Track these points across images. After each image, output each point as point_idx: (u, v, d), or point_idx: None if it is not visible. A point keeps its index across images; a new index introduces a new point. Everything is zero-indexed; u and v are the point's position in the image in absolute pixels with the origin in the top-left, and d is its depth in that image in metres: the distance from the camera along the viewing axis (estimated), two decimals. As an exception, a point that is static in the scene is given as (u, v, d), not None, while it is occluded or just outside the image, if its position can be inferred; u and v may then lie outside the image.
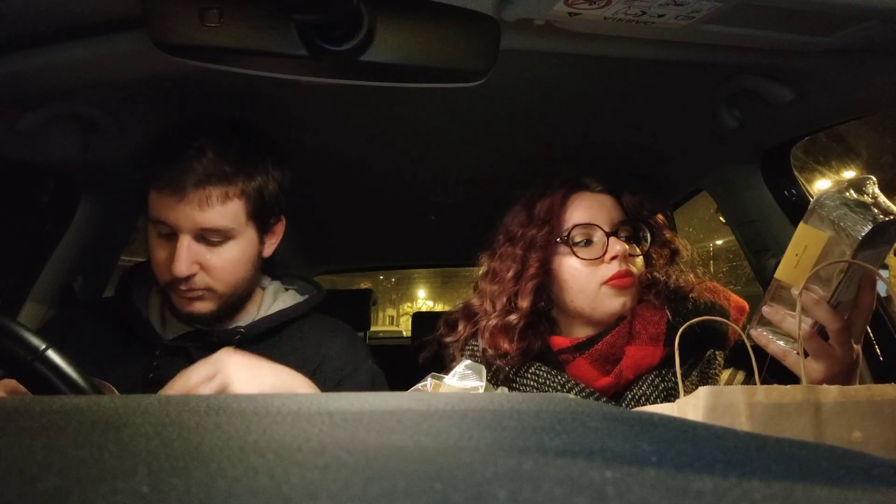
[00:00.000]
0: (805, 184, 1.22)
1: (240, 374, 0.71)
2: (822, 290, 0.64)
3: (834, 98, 0.92)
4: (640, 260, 0.92)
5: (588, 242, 0.90)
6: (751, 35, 0.73)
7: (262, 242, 0.95)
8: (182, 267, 0.84)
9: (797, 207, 1.20)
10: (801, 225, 0.65)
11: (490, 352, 0.90)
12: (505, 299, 0.92)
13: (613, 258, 0.87)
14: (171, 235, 0.86)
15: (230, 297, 0.91)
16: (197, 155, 0.85)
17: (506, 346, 0.89)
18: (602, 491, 0.17)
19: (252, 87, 0.92)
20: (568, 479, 0.18)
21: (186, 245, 0.85)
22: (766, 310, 0.68)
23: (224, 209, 0.86)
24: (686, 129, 1.19)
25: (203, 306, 0.89)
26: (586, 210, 0.92)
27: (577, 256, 0.89)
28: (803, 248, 0.64)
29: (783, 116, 1.01)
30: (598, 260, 0.88)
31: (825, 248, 0.63)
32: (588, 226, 0.90)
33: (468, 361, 0.72)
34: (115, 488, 0.16)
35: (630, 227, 0.92)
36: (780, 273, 0.66)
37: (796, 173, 1.22)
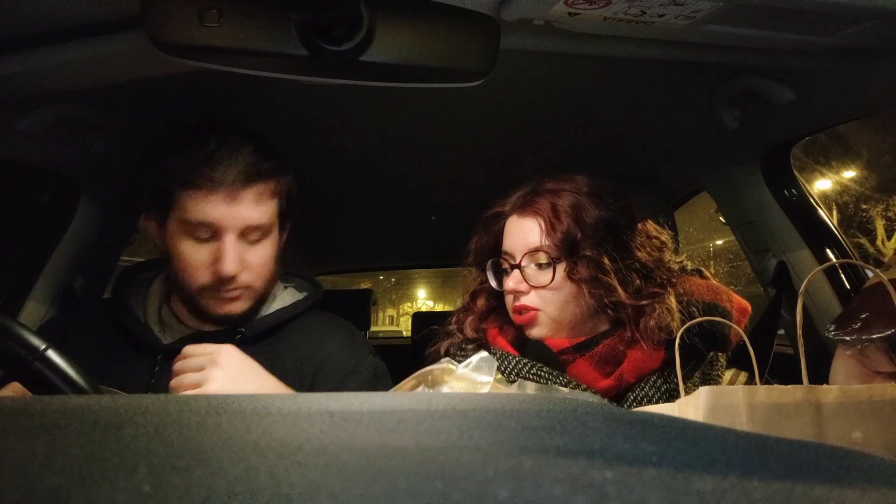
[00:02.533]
0: (805, 184, 1.23)
1: (220, 380, 0.72)
2: None
3: (834, 98, 0.92)
4: (549, 290, 0.86)
5: (506, 271, 0.91)
6: (751, 35, 0.73)
7: (280, 242, 0.96)
8: (231, 266, 0.84)
9: (797, 207, 1.20)
10: None
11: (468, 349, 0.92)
12: (468, 298, 0.98)
13: (509, 293, 0.88)
14: (210, 236, 0.85)
15: (262, 294, 0.93)
16: (235, 152, 0.84)
17: (469, 332, 0.93)
18: (603, 490, 0.17)
19: (251, 88, 0.92)
20: (568, 478, 0.18)
21: (234, 243, 0.85)
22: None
23: (266, 206, 0.87)
24: (686, 129, 1.19)
25: (238, 306, 0.90)
26: (507, 237, 0.91)
27: (490, 286, 0.92)
28: None
29: (783, 116, 1.01)
30: (506, 292, 0.90)
31: None
32: (505, 255, 0.91)
33: (484, 353, 0.71)
34: (116, 487, 0.16)
35: (542, 253, 0.86)
36: None
37: (796, 173, 1.22)
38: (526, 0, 0.66)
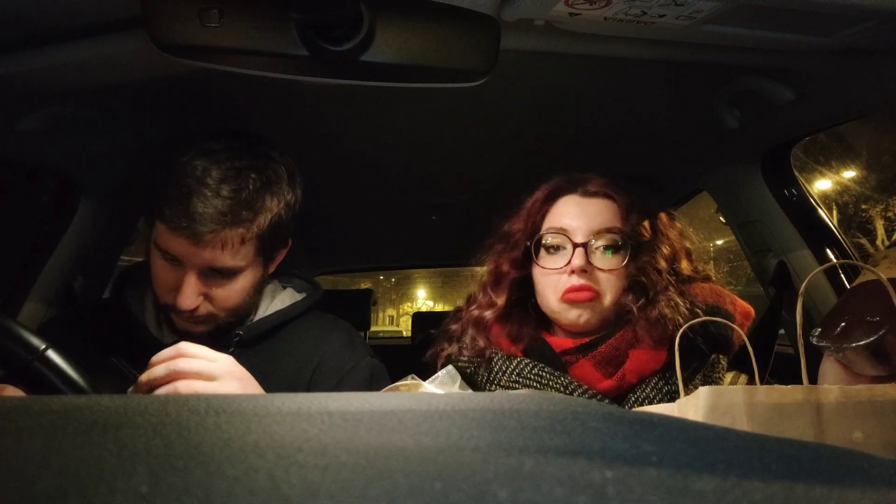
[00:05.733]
0: (805, 184, 1.23)
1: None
2: None
3: (834, 98, 0.92)
4: (613, 275, 0.86)
5: (558, 249, 0.88)
6: (751, 35, 0.73)
7: (266, 269, 0.95)
8: (188, 302, 0.84)
9: (797, 207, 1.20)
10: None
11: (470, 349, 0.91)
12: (482, 294, 0.95)
13: (573, 272, 0.85)
14: (177, 263, 0.85)
15: (229, 319, 0.92)
16: (212, 196, 0.81)
17: (481, 342, 0.90)
18: (602, 491, 0.17)
19: (252, 88, 0.92)
20: (568, 478, 0.18)
21: (194, 281, 0.84)
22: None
23: (235, 251, 0.85)
24: (686, 129, 1.19)
25: (202, 328, 0.90)
26: (564, 215, 0.89)
27: (538, 265, 0.89)
28: None
29: (784, 117, 1.01)
30: (561, 270, 0.86)
31: None
32: (560, 232, 0.88)
33: (450, 367, 0.72)
34: (114, 488, 0.16)
35: (617, 236, 0.87)
36: None
37: (796, 173, 1.22)
38: (526, 0, 0.66)
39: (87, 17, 0.69)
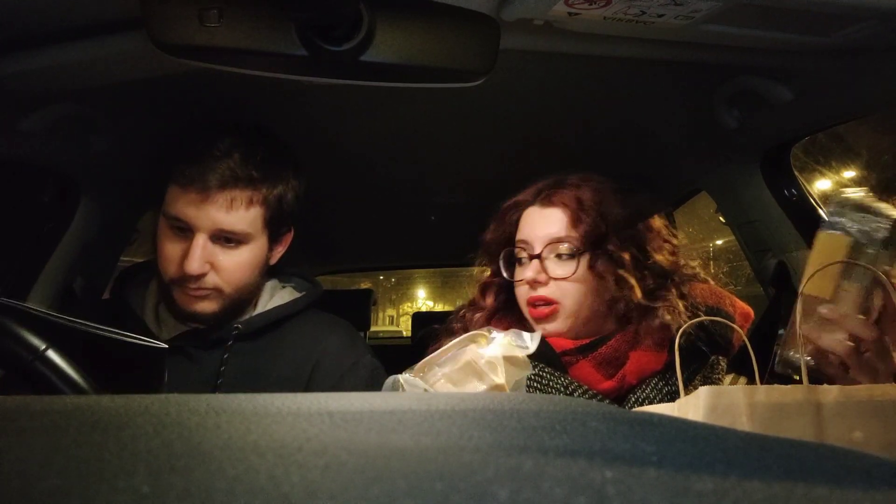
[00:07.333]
0: (805, 184, 1.22)
1: None
2: (848, 301, 0.63)
3: (834, 98, 0.92)
4: (570, 283, 0.85)
5: (521, 261, 0.89)
6: (751, 35, 0.73)
7: (270, 250, 0.96)
8: (195, 265, 0.85)
9: (797, 207, 1.20)
10: (821, 234, 0.65)
11: None
12: (479, 298, 0.97)
13: (528, 284, 0.86)
14: (186, 232, 0.86)
15: (233, 299, 0.92)
16: (224, 156, 0.85)
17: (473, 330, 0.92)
18: (602, 491, 0.17)
19: (252, 88, 0.92)
20: (568, 479, 0.18)
21: (202, 244, 0.86)
22: (804, 329, 0.63)
23: (245, 213, 0.87)
24: (686, 129, 1.19)
25: (206, 306, 0.90)
26: (525, 226, 0.91)
27: (506, 277, 0.91)
28: (827, 256, 0.63)
29: (783, 116, 1.01)
30: (523, 282, 0.88)
31: (849, 255, 0.62)
32: (521, 244, 0.90)
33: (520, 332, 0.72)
34: (115, 488, 0.16)
35: (568, 244, 0.86)
36: (809, 287, 0.64)
37: (796, 173, 1.22)
38: (526, 0, 0.66)
39: (88, 17, 0.69)
